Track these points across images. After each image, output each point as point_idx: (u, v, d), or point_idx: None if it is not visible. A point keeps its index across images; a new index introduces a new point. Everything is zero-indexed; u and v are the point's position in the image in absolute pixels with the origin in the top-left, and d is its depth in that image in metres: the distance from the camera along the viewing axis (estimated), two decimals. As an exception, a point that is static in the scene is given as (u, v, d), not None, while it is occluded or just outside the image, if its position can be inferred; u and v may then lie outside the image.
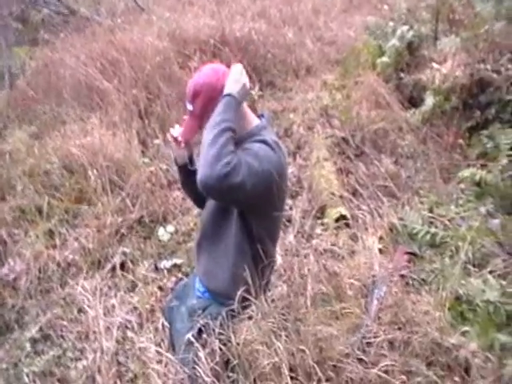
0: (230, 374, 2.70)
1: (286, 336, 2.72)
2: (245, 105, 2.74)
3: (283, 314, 2.86)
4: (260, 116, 2.88)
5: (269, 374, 2.61)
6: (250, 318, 2.76)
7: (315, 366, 2.66)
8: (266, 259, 2.73)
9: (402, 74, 6.40)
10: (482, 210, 4.37)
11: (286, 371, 2.59)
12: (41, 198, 4.86)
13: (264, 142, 2.61)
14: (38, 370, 3.46)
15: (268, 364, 2.59)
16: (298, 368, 2.67)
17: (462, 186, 4.78)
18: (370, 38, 7.45)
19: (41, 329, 3.78)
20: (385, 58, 6.55)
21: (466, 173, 4.71)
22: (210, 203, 2.88)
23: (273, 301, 2.91)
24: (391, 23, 7.04)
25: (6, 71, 7.23)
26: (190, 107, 2.70)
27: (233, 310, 2.74)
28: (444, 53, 6.14)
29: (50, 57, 7.03)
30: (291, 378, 2.61)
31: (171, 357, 2.90)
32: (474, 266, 3.72)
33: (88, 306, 3.55)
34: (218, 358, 2.69)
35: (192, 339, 2.77)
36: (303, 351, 2.69)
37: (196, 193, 2.93)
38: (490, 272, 3.63)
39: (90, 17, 8.39)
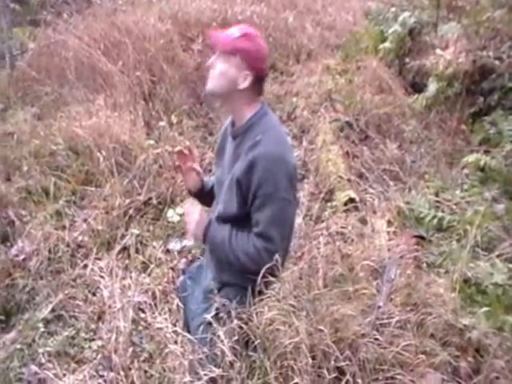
0: (251, 353, 2.74)
1: (305, 316, 2.77)
2: (246, 91, 2.68)
3: (300, 295, 2.90)
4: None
5: (290, 353, 2.65)
6: (268, 297, 2.81)
7: (333, 345, 2.71)
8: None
9: (405, 60, 6.45)
10: (487, 195, 4.43)
11: (306, 351, 2.64)
12: (47, 179, 4.88)
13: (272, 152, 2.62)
14: (53, 350, 3.49)
15: (290, 343, 2.64)
16: (316, 347, 2.72)
17: (466, 171, 4.85)
18: (371, 23, 7.48)
19: (53, 309, 3.80)
20: (387, 44, 6.60)
21: (470, 158, 4.76)
22: (222, 210, 2.89)
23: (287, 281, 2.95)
24: (393, 9, 7.07)
25: (6, 52, 7.18)
26: (236, 34, 2.61)
27: (252, 291, 2.79)
28: (445, 39, 6.17)
29: (52, 38, 6.99)
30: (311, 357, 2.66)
31: (190, 336, 2.94)
32: (481, 249, 3.79)
33: (104, 286, 3.59)
34: (237, 337, 2.74)
35: (210, 319, 2.81)
36: (321, 331, 2.74)
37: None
38: (498, 256, 3.69)
39: (91, -2, 8.36)
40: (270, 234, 2.62)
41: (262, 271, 2.65)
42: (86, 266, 4.08)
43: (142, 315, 3.57)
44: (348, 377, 2.60)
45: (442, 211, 4.33)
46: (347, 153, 5.23)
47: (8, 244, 4.38)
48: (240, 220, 2.76)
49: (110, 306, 3.51)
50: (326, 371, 2.65)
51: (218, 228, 2.78)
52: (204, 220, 2.77)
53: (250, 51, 2.60)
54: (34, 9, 8.82)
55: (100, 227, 4.43)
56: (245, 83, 2.62)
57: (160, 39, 6.57)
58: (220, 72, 2.65)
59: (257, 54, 2.62)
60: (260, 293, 2.77)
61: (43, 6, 8.56)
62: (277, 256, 2.63)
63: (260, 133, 2.67)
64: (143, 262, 4.05)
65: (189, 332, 3.04)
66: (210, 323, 2.81)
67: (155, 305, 3.57)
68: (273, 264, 2.64)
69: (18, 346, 3.57)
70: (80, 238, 4.39)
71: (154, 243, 4.28)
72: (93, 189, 4.85)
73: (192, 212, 2.80)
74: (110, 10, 7.53)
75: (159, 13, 7.37)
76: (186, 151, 3.02)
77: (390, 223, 4.12)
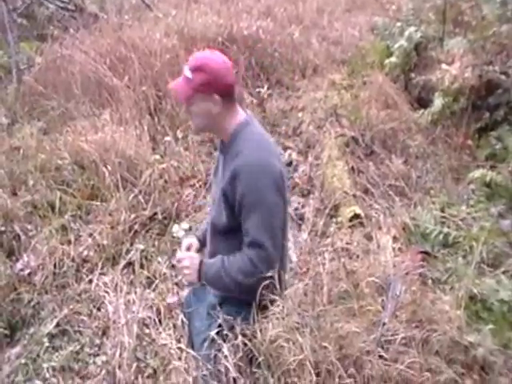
0: (255, 370, 2.73)
1: (309, 333, 2.76)
2: (222, 111, 2.75)
3: (304, 311, 2.89)
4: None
5: (294, 370, 2.64)
6: (273, 314, 2.80)
7: (337, 362, 2.70)
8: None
9: (411, 75, 6.45)
10: (493, 210, 4.43)
11: (310, 368, 2.62)
12: (53, 193, 4.89)
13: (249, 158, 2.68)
14: (57, 365, 3.50)
15: (294, 360, 2.63)
16: (321, 364, 2.71)
17: (473, 186, 4.83)
18: (377, 38, 7.50)
19: (58, 324, 3.81)
20: (393, 59, 6.60)
21: (476, 174, 4.75)
22: (214, 222, 2.92)
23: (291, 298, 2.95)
24: (398, 24, 7.08)
25: (13, 66, 7.21)
26: (188, 74, 2.71)
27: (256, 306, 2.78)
28: (451, 54, 6.17)
29: (59, 52, 7.03)
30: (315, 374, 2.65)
31: (193, 353, 2.93)
32: (487, 266, 3.77)
33: (108, 302, 3.59)
34: (241, 354, 2.73)
35: (214, 336, 2.81)
36: (325, 348, 2.73)
37: None
38: (504, 272, 3.68)
39: (97, 13, 8.40)
40: (260, 241, 2.63)
41: (263, 284, 2.65)
42: (90, 281, 4.10)
43: (147, 331, 3.57)
44: (353, 394, 2.60)
45: (448, 227, 4.31)
46: (352, 168, 5.23)
47: (13, 258, 4.38)
48: (230, 230, 2.79)
49: (114, 322, 3.52)
50: (330, 388, 2.64)
51: (210, 263, 2.82)
52: (195, 265, 2.81)
53: (207, 80, 2.67)
54: (41, 24, 8.93)
55: (105, 242, 4.43)
56: (217, 107, 2.71)
57: (166, 54, 6.59)
58: (195, 114, 2.79)
59: (214, 78, 2.68)
60: (264, 308, 2.77)
61: (50, 21, 8.67)
62: (274, 265, 2.63)
63: (241, 143, 2.73)
64: (148, 278, 4.06)
65: (193, 348, 3.03)
66: (213, 340, 2.81)
67: (160, 320, 3.58)
68: (271, 275, 2.63)
69: (23, 361, 3.59)
70: (85, 252, 4.39)
71: (159, 258, 4.29)
72: (98, 203, 4.85)
73: (182, 259, 2.87)
74: (116, 25, 7.56)
75: (165, 28, 7.41)
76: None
77: (395, 239, 4.12)
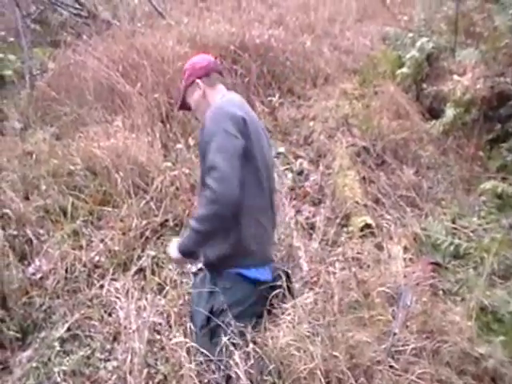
0: (266, 378, 2.75)
1: (320, 341, 2.77)
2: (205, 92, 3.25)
3: (315, 320, 2.91)
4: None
5: (304, 378, 2.65)
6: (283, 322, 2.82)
7: (348, 371, 2.71)
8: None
9: (423, 85, 6.46)
10: (504, 222, 4.42)
11: (321, 376, 2.63)
12: (65, 198, 4.90)
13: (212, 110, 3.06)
14: (68, 370, 3.50)
15: (305, 369, 2.64)
16: (331, 373, 2.72)
17: (484, 198, 4.83)
18: (389, 48, 7.51)
19: (69, 328, 3.81)
20: (405, 69, 6.60)
21: (487, 185, 4.75)
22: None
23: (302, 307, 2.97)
24: (410, 34, 7.09)
25: (26, 72, 7.26)
26: (182, 83, 3.39)
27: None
28: (463, 65, 6.18)
29: (72, 58, 7.06)
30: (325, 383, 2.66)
31: (207, 353, 2.94)
32: (498, 277, 3.77)
33: (119, 307, 3.61)
34: (252, 361, 2.74)
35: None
36: (336, 357, 2.74)
37: None
38: (515, 284, 3.68)
39: (110, 20, 8.42)
40: (215, 162, 2.84)
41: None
42: (102, 287, 4.10)
43: (158, 337, 3.58)
44: (363, 404, 2.61)
45: (459, 238, 4.31)
46: (364, 178, 5.24)
47: (25, 262, 4.38)
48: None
49: (125, 327, 3.54)
50: (340, 398, 2.65)
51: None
52: (174, 245, 3.16)
53: (189, 73, 3.31)
54: (55, 30, 8.98)
55: (117, 248, 4.44)
56: (201, 89, 3.25)
57: (178, 62, 6.58)
58: (195, 109, 3.37)
59: (192, 67, 3.33)
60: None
61: (63, 27, 8.71)
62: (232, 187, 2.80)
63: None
64: (159, 284, 4.06)
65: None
66: (209, 327, 2.95)
67: (170, 326, 3.59)
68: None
69: (34, 365, 3.58)
70: (97, 258, 4.39)
71: (170, 265, 4.30)
72: (110, 209, 4.86)
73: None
74: (129, 32, 7.58)
75: (178, 36, 7.42)
76: None
77: (406, 249, 4.12)
